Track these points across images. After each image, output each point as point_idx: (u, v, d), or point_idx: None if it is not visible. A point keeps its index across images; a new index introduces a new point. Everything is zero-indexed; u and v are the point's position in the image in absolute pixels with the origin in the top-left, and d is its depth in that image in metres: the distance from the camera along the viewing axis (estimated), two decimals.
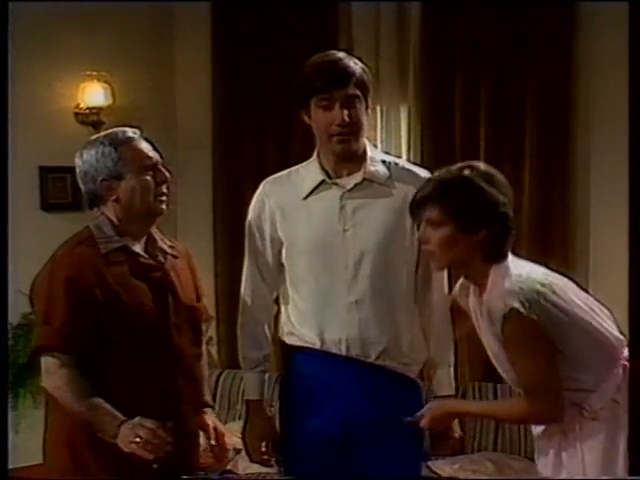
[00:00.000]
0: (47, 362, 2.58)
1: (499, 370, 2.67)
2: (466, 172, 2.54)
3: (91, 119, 5.02)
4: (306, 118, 2.70)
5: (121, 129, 2.72)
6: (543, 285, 2.50)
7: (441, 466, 4.43)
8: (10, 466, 3.65)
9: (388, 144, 5.03)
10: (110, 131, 2.75)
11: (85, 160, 2.67)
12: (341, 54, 2.71)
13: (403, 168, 2.81)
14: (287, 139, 5.01)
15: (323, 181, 2.72)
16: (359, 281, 2.68)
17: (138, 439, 2.43)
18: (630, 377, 2.47)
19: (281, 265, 2.81)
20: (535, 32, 4.62)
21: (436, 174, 2.62)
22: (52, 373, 2.57)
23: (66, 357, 2.55)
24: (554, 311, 2.49)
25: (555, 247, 4.67)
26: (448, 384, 2.83)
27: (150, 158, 2.70)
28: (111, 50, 5.05)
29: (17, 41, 4.64)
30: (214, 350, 5.06)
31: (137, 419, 2.48)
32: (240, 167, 5.12)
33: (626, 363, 2.59)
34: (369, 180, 2.71)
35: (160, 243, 2.79)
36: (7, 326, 3.21)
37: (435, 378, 2.83)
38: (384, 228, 2.69)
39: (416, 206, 2.57)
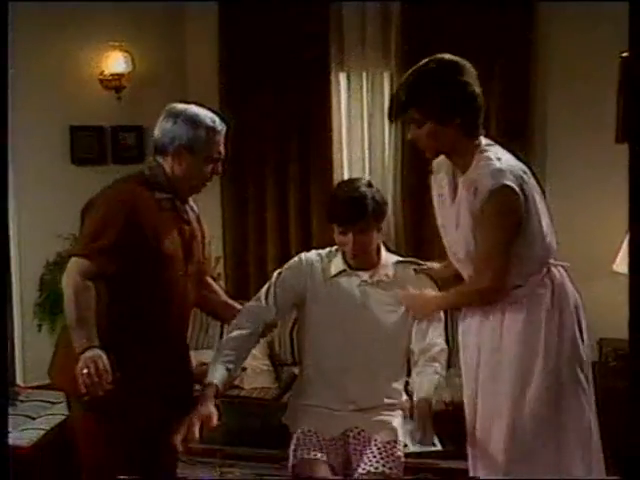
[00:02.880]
0: (77, 265, 2.56)
1: (450, 243, 2.73)
2: (431, 65, 2.57)
3: (114, 84, 5.05)
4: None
5: (218, 120, 2.75)
6: (524, 171, 2.56)
7: None
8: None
9: (373, 105, 5.12)
10: (209, 115, 2.75)
11: (179, 123, 2.69)
12: (364, 189, 2.87)
13: (408, 269, 3.01)
14: (285, 103, 5.09)
15: (344, 270, 2.97)
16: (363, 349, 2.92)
17: (85, 370, 2.41)
18: (631, 372, 2.35)
19: (292, 306, 3.02)
20: (496, 17, 4.68)
21: (405, 77, 2.63)
22: (78, 276, 2.53)
23: (95, 270, 2.54)
24: (530, 195, 2.53)
25: None
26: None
27: (220, 153, 2.76)
28: (131, 24, 5.08)
29: (49, 17, 4.77)
30: (222, 283, 5.19)
31: (98, 353, 2.45)
32: (243, 130, 5.06)
33: (552, 262, 2.65)
34: (381, 281, 2.96)
35: (191, 202, 2.86)
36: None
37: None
38: (390, 317, 2.94)
39: (398, 111, 2.62)
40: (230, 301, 3.10)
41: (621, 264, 4.21)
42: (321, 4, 4.97)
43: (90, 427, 2.70)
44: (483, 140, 2.63)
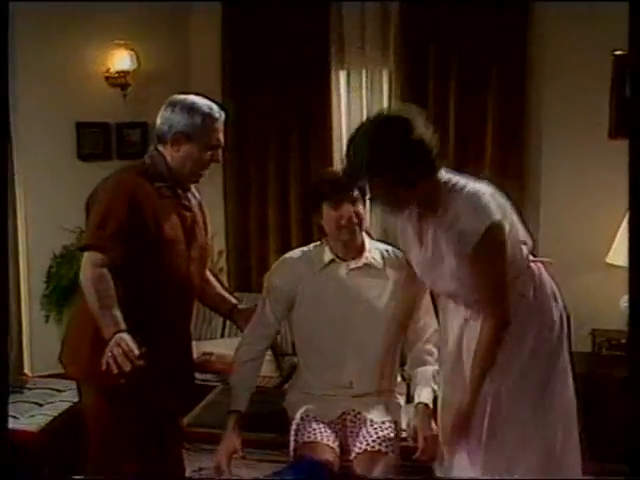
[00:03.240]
0: (89, 258, 2.61)
1: (432, 283, 2.71)
2: (384, 130, 2.47)
3: (119, 81, 5.08)
4: (318, 219, 2.97)
5: (215, 108, 2.78)
6: (492, 194, 2.50)
7: None
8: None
9: (372, 102, 5.14)
10: (207, 102, 2.78)
11: (176, 111, 2.74)
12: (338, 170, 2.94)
13: (394, 254, 3.07)
14: (286, 100, 5.11)
15: (333, 260, 3.00)
16: (359, 335, 2.96)
17: (110, 353, 2.44)
18: (630, 370, 2.30)
19: (287, 311, 3.06)
20: (493, 17, 4.68)
21: (359, 144, 2.51)
22: (92, 267, 2.59)
23: (107, 260, 2.58)
24: (508, 217, 2.51)
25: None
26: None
27: (219, 140, 2.79)
28: (137, 22, 5.11)
29: (56, 16, 4.80)
30: (225, 278, 5.24)
31: (121, 336, 2.48)
32: (245, 127, 5.14)
33: (532, 259, 2.64)
34: (369, 265, 3.00)
35: (192, 189, 2.90)
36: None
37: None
38: (380, 302, 2.97)
39: (358, 180, 2.60)
40: (227, 294, 3.14)
41: (614, 256, 4.24)
42: (321, 4, 4.99)
43: (101, 413, 2.74)
44: (443, 173, 2.55)
